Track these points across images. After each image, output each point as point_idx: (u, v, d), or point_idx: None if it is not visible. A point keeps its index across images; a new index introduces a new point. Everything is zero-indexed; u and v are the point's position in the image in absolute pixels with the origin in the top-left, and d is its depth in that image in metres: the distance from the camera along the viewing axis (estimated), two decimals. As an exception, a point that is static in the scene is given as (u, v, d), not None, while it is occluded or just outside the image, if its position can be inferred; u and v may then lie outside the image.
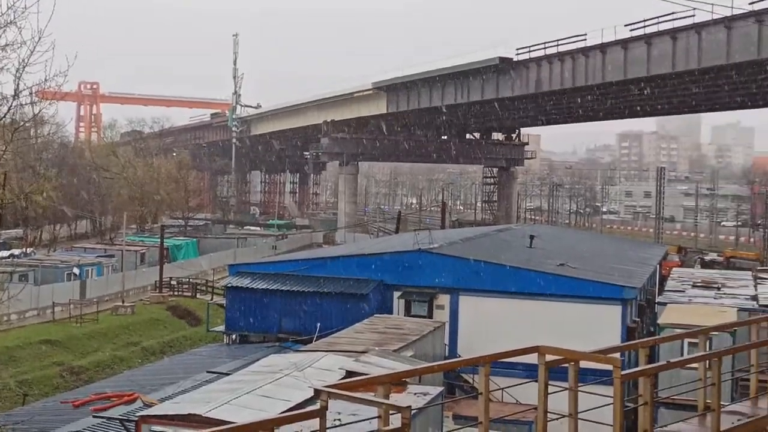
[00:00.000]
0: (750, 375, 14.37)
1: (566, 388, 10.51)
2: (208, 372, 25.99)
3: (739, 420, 12.86)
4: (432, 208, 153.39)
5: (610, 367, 10.47)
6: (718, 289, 39.77)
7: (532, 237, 44.96)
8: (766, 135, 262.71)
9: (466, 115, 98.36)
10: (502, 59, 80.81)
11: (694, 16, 58.17)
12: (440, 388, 21.98)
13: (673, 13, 60.86)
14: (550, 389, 10.54)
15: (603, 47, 70.66)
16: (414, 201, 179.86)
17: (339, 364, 22.04)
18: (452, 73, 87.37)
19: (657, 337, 20.55)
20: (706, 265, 75.31)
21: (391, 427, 9.12)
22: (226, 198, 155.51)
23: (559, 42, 75.86)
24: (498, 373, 10.99)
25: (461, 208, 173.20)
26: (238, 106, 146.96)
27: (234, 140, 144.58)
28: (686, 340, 20.99)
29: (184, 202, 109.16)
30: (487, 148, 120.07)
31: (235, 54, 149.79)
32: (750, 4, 52.84)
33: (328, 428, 8.83)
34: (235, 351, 33.19)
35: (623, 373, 10.47)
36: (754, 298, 36.57)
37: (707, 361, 12.47)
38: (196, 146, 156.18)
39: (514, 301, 33.85)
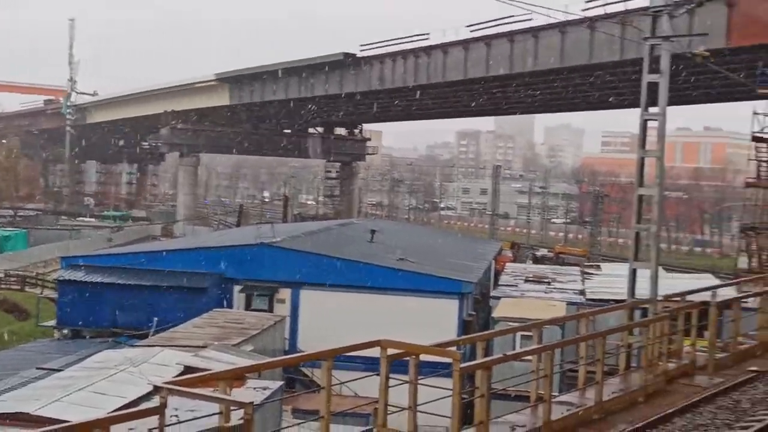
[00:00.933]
0: (578, 366, 14.99)
1: (406, 381, 10.65)
2: (37, 368, 24.89)
3: (568, 410, 13.38)
4: (275, 202, 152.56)
5: (450, 360, 10.67)
6: (549, 283, 41.30)
7: (373, 232, 45.42)
8: (595, 137, 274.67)
9: (309, 110, 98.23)
10: (347, 55, 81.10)
11: (531, 20, 60.00)
12: (280, 383, 21.93)
13: (511, 16, 62.68)
14: (391, 382, 10.65)
15: (445, 47, 71.98)
16: (257, 194, 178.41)
17: (177, 359, 21.63)
18: (297, 67, 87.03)
19: (496, 330, 21.19)
20: (537, 260, 77.98)
21: (232, 423, 9.01)
22: (58, 188, 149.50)
23: (403, 40, 76.83)
24: (338, 366, 11.01)
25: (306, 201, 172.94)
26: (74, 93, 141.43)
27: (68, 128, 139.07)
28: (518, 333, 21.72)
29: (13, 191, 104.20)
30: (330, 142, 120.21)
31: (71, 39, 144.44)
32: (583, 10, 54.95)
33: (166, 425, 8.62)
34: (67, 346, 31.98)
35: (462, 366, 10.69)
36: (582, 292, 38.16)
37: (540, 354, 12.93)
38: (27, 134, 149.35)
39: (356, 295, 34.13)
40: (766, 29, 49.02)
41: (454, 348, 12.20)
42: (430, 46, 73.62)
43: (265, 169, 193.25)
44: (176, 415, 12.95)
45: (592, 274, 45.60)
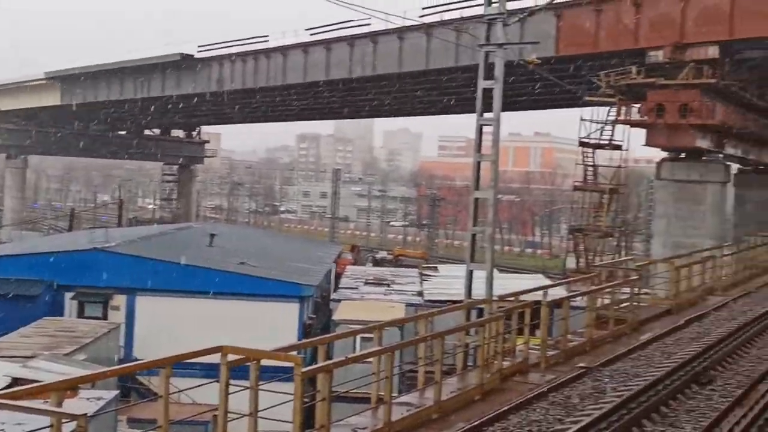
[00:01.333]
0: (418, 367, 15.21)
1: (247, 387, 10.51)
2: None
3: (408, 410, 13.55)
4: (109, 206, 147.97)
5: (291, 364, 10.61)
6: (388, 285, 41.80)
7: (212, 236, 44.76)
8: (432, 141, 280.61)
9: (146, 111, 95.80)
10: (184, 56, 79.60)
11: (370, 24, 60.62)
12: (115, 392, 21.27)
13: (351, 20, 63.21)
14: (232, 389, 10.49)
15: (284, 50, 71.79)
16: (89, 198, 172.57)
17: (3, 370, 20.63)
18: (133, 67, 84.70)
19: (337, 333, 21.21)
20: (377, 263, 78.91)
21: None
22: None
23: (242, 42, 76.15)
24: (177, 374, 10.72)
25: (144, 204, 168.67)
26: None
27: None
28: (359, 335, 21.88)
29: None
30: (167, 145, 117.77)
31: None
32: (420, 17, 56.00)
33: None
34: None
35: (304, 370, 10.65)
36: (420, 294, 38.81)
37: (381, 355, 13.04)
38: None
39: (194, 300, 33.57)
40: (591, 39, 51.34)
41: (295, 352, 12.14)
42: (270, 48, 73.32)
43: (98, 172, 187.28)
44: (2, 430, 12.35)
45: (430, 275, 46.42)
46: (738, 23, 46.01)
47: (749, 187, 65.21)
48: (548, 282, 34.38)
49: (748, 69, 52.27)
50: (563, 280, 35.15)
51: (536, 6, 28.31)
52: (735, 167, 62.83)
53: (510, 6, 21.73)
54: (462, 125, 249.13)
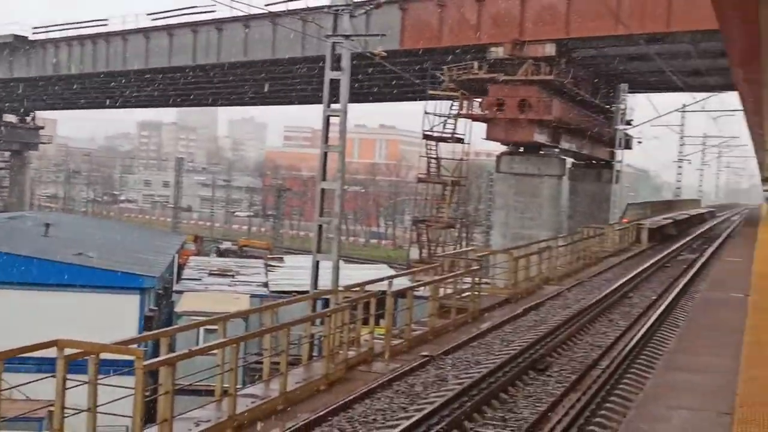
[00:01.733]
0: (263, 358, 15.09)
1: (85, 382, 10.16)
2: None
3: (253, 402, 13.43)
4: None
5: (132, 357, 10.33)
6: (233, 276, 41.36)
7: (47, 225, 43.06)
8: (278, 131, 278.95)
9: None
10: (17, 37, 76.19)
11: (215, 11, 59.78)
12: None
13: (194, 6, 62.10)
14: (70, 383, 10.11)
15: (125, 34, 69.84)
16: None
17: None
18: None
19: (179, 325, 20.76)
20: (221, 253, 77.86)
21: None
22: None
23: (81, 25, 73.55)
24: (8, 369, 10.25)
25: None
26: None
27: None
28: (202, 327, 21.53)
29: None
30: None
31: None
32: (266, 5, 55.56)
33: None
34: None
35: (145, 363, 10.38)
36: (266, 284, 38.58)
37: (225, 347, 12.85)
38: None
39: (29, 292, 32.16)
40: (435, 34, 52.27)
41: (136, 345, 11.81)
42: (110, 32, 71.13)
43: None
44: None
45: (275, 266, 46.24)
46: (573, 22, 47.87)
47: (583, 180, 68.06)
48: (393, 272, 34.81)
49: (582, 67, 54.51)
50: (407, 271, 35.68)
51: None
52: (570, 161, 65.37)
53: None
54: (308, 116, 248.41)
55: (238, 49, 62.22)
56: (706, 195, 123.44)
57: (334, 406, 13.55)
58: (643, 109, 75.46)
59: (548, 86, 50.14)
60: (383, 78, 59.68)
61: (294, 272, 40.56)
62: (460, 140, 56.48)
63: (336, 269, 19.91)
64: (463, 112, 53.41)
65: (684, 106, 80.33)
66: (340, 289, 19.02)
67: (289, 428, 12.39)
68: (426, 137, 56.89)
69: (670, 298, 25.47)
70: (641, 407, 8.84)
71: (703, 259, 37.43)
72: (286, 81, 69.16)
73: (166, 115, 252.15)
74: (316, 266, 20.82)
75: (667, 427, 7.90)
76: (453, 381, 15.50)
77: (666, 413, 8.34)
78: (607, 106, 61.79)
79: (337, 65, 20.54)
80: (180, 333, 17.72)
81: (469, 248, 45.82)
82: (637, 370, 16.41)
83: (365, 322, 18.17)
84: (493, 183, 62.76)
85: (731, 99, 62.78)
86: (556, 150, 55.71)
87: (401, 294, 19.67)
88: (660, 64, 51.28)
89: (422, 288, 22.63)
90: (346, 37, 19.93)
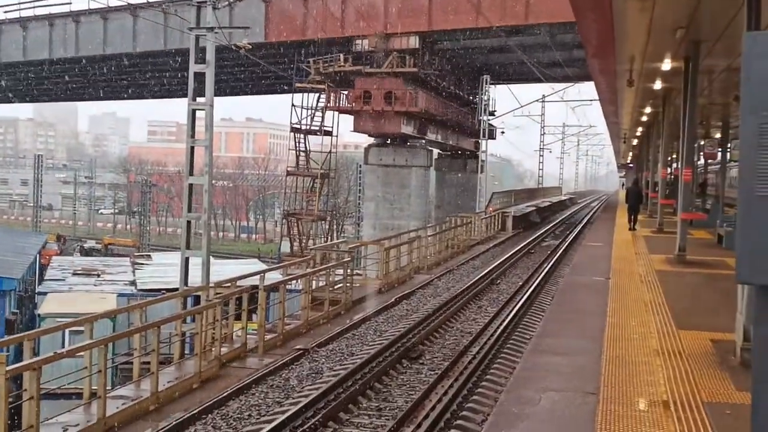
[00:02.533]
0: (134, 358, 14.75)
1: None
2: None
3: (124, 403, 13.11)
4: None
5: (-7, 363, 9.94)
6: (99, 276, 40.17)
7: None
8: (141, 126, 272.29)
9: None
10: None
11: (71, 3, 57.94)
12: None
13: (49, -3, 60.07)
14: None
15: (-27, 28, 66.83)
16: None
17: None
18: None
19: (43, 328, 20.04)
20: (86, 252, 75.63)
21: None
22: None
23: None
24: None
25: None
26: None
27: None
28: (68, 329, 20.86)
29: None
30: None
31: None
32: (126, -2, 54.17)
33: None
34: None
35: (8, 368, 10.01)
36: (133, 283, 37.62)
37: (92, 349, 12.51)
38: None
39: None
40: (299, 26, 52.09)
41: (-2, 350, 11.36)
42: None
43: None
44: None
45: (143, 264, 45.12)
46: (436, 16, 48.57)
47: (449, 170, 69.17)
48: (264, 267, 34.53)
49: (446, 60, 55.33)
50: (279, 264, 35.46)
51: (246, -9, 28.22)
52: (436, 152, 66.31)
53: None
54: (173, 110, 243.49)
55: (97, 43, 60.41)
56: (566, 182, 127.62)
57: (208, 403, 13.38)
58: (505, 99, 77.38)
59: (413, 78, 50.74)
60: (250, 71, 59.11)
61: (162, 269, 39.64)
62: (328, 133, 56.54)
63: (206, 265, 19.64)
64: (331, 104, 53.46)
65: (544, 96, 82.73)
66: (210, 285, 18.76)
67: (162, 428, 12.16)
68: (294, 130, 56.73)
69: (535, 283, 26.20)
70: (511, 391, 9.06)
71: (565, 245, 38.63)
72: (149, 74, 67.57)
73: (23, 110, 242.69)
74: (185, 263, 20.48)
75: (536, 410, 8.12)
76: (328, 373, 15.51)
77: (535, 396, 8.57)
78: (471, 98, 62.94)
79: (201, 58, 20.22)
80: (44, 336, 17.14)
81: (340, 240, 45.94)
82: (506, 354, 16.82)
83: (237, 317, 18.01)
84: (362, 175, 63.07)
85: (588, 89, 65.04)
86: (423, 141, 56.50)
87: (273, 288, 19.57)
88: (520, 56, 52.60)
89: (294, 281, 22.57)
90: (210, 29, 19.64)
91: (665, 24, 17.53)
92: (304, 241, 56.61)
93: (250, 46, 23.73)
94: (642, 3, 15.86)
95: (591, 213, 68.47)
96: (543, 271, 29.51)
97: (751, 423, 3.18)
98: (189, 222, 20.44)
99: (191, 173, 20.37)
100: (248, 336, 17.77)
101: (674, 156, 42.31)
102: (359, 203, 65.10)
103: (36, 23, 63.64)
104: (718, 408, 8.07)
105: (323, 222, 61.93)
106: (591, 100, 65.82)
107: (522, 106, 72.27)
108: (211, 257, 21.21)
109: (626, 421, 7.65)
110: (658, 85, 26.46)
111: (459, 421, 12.53)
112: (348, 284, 23.37)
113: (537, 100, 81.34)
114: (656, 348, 10.72)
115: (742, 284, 2.77)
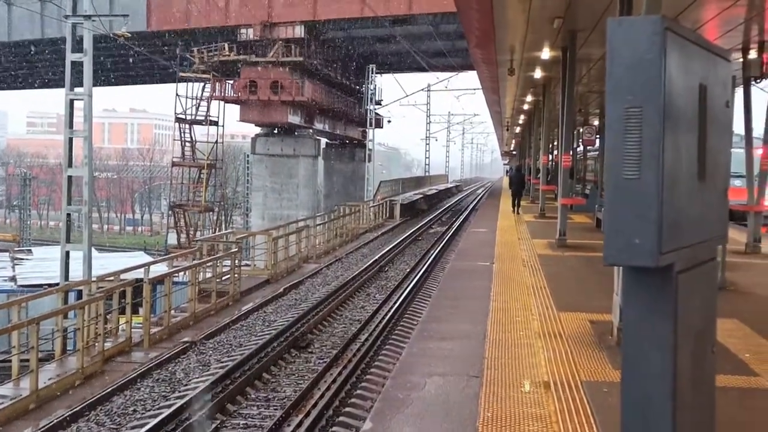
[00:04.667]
0: (12, 356, 14.23)
1: None
2: None
3: (1, 403, 12.66)
4: None
5: None
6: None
7: None
8: (19, 118, 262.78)
9: None
10: None
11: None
12: None
13: None
14: None
15: None
16: None
17: None
18: None
19: None
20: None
21: None
22: None
23: None
24: None
25: None
26: None
27: None
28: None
29: None
30: None
31: None
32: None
33: None
34: None
35: None
36: (13, 278, 36.38)
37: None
38: None
39: None
40: (182, 16, 51.16)
41: None
42: None
43: None
44: None
45: (23, 259, 43.65)
46: (321, 5, 48.43)
47: (337, 160, 69.17)
48: (150, 259, 33.84)
49: (332, 49, 55.24)
50: (165, 257, 34.81)
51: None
52: (324, 141, 66.17)
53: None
54: (53, 101, 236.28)
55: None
56: (452, 170, 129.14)
57: (91, 400, 13.03)
58: (392, 89, 77.77)
59: (299, 68, 50.47)
60: (133, 60, 57.69)
61: (44, 264, 38.42)
62: (214, 123, 55.77)
63: (88, 259, 19.11)
64: (216, 94, 52.76)
65: (429, 86, 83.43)
66: (93, 279, 18.27)
67: (43, 427, 11.78)
68: (178, 120, 55.74)
69: (422, 270, 26.47)
70: (398, 377, 9.09)
71: (451, 231, 39.15)
72: (25, 64, 65.27)
73: None
74: (65, 257, 19.88)
75: (421, 394, 8.17)
76: (215, 365, 15.31)
77: (420, 381, 8.62)
78: (358, 87, 63.03)
79: (79, 47, 19.61)
80: None
81: (228, 231, 45.40)
82: (394, 340, 16.94)
83: (122, 311, 17.60)
84: (249, 165, 62.39)
85: (472, 78, 65.95)
86: (311, 131, 56.27)
87: (159, 281, 19.22)
88: (405, 45, 52.95)
89: (181, 273, 22.20)
90: (87, 17, 19.07)
91: (543, 14, 17.90)
92: (191, 232, 55.74)
93: (130, 35, 23.16)
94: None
95: (476, 200, 69.60)
96: (430, 257, 29.84)
97: (620, 399, 3.25)
98: (69, 215, 19.87)
99: (70, 165, 19.77)
100: (133, 330, 17.39)
101: (555, 143, 43.31)
102: (247, 193, 64.43)
103: None
104: (596, 386, 8.27)
105: (211, 213, 61.07)
106: (475, 89, 66.58)
107: (408, 95, 72.82)
108: (94, 250, 20.67)
109: (509, 402, 7.77)
110: (538, 74, 27.03)
111: (347, 409, 12.55)
112: (236, 275, 23.12)
113: (422, 90, 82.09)
114: (538, 330, 10.93)
115: (610, 266, 2.85)
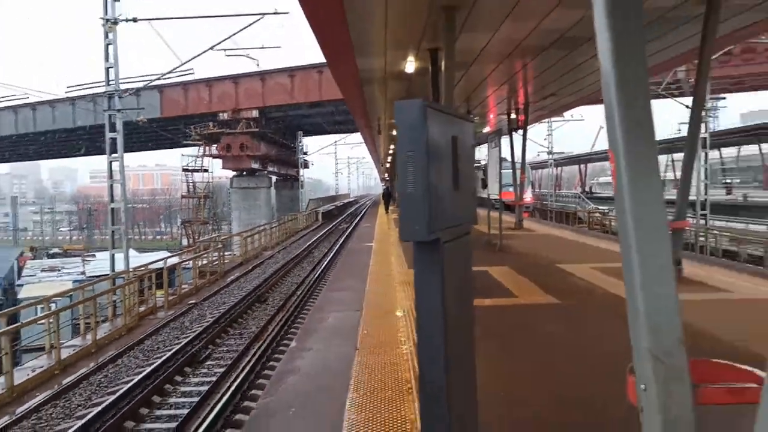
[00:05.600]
0: (81, 320, 13.49)
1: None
2: None
3: (74, 350, 12.01)
4: None
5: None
6: (59, 270, 36.63)
7: None
8: (85, 173, 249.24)
9: None
10: None
11: (28, 97, 52.16)
12: None
13: (14, 95, 53.66)
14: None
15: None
16: None
17: None
18: None
19: (23, 304, 17.97)
20: (51, 256, 68.35)
21: None
22: None
23: None
24: None
25: None
26: None
27: None
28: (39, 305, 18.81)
29: None
30: None
31: None
32: (66, 92, 49.37)
33: None
34: None
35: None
36: (83, 273, 34.59)
37: (51, 318, 11.36)
38: None
39: None
40: (182, 106, 49.60)
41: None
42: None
43: None
44: None
45: (90, 260, 41.45)
46: (267, 96, 47.66)
47: (283, 188, 68.10)
48: (168, 255, 32.62)
49: (275, 122, 54.43)
50: (178, 252, 33.64)
51: (144, 86, 26.43)
52: (274, 178, 65.11)
53: (127, 85, 20.08)
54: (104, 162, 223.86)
55: (47, 122, 54.81)
56: (352, 190, 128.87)
57: (131, 343, 12.52)
58: (314, 144, 77.05)
59: (256, 135, 49.54)
60: (156, 134, 55.50)
61: (102, 263, 36.58)
62: (206, 170, 54.16)
63: (126, 258, 18.28)
64: (206, 153, 51.34)
65: (336, 142, 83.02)
66: (130, 270, 17.51)
67: (100, 362, 11.24)
68: (184, 170, 54.01)
69: (334, 250, 26.37)
70: (314, 314, 9.03)
71: (351, 227, 39.09)
72: (86, 139, 61.97)
73: (1, 168, 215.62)
74: (112, 258, 18.96)
75: (325, 325, 8.14)
76: (209, 316, 14.91)
77: (326, 316, 8.58)
78: (293, 144, 62.28)
79: (116, 128, 18.79)
80: (23, 310, 15.38)
81: (215, 235, 44.19)
82: (318, 292, 16.82)
83: (152, 288, 16.96)
84: (230, 194, 60.81)
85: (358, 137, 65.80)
86: (266, 172, 55.26)
87: (173, 268, 18.57)
88: (319, 119, 52.64)
89: (187, 262, 21.49)
90: (118, 111, 18.25)
91: (394, 96, 18.06)
92: (196, 237, 53.96)
93: (145, 120, 22.31)
94: (380, 87, 16.25)
95: (366, 207, 69.62)
96: (339, 242, 29.74)
97: (416, 318, 3.28)
98: (113, 232, 18.93)
99: (112, 200, 18.87)
100: (158, 299, 16.77)
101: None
102: (230, 212, 62.76)
103: (4, 112, 56.78)
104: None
105: (207, 224, 59.26)
106: (361, 142, 66.64)
107: (322, 148, 72.66)
108: (133, 251, 19.80)
109: (378, 321, 7.81)
110: (395, 132, 27.23)
111: (288, 334, 12.41)
112: (221, 261, 22.54)
113: (331, 144, 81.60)
114: (397, 281, 11.02)
115: (405, 241, 2.86)
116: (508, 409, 4.68)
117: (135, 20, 18.54)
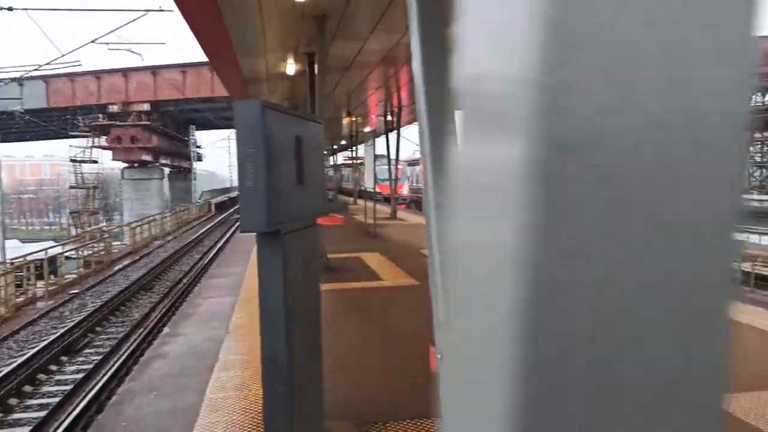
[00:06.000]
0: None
1: None
2: None
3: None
4: None
5: None
6: None
7: None
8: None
9: None
10: None
11: None
12: None
13: None
14: None
15: None
16: None
17: None
18: None
19: None
20: None
21: None
22: None
23: None
24: None
25: None
26: None
27: None
28: None
29: None
30: None
31: None
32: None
33: None
34: None
35: None
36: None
37: None
38: None
39: None
40: (70, 98, 45.36)
41: None
42: None
43: None
44: None
45: None
46: (158, 91, 44.92)
47: (176, 180, 64.61)
48: (54, 245, 29.72)
49: (167, 116, 51.41)
50: (64, 242, 30.78)
51: (22, 75, 23.72)
52: (167, 170, 61.50)
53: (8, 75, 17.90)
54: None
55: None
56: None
57: (6, 334, 11.28)
58: (207, 138, 73.68)
59: (148, 128, 46.44)
60: (43, 125, 50.09)
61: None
62: (95, 162, 49.90)
63: (2, 247, 16.41)
64: (96, 145, 47.36)
65: (228, 136, 79.74)
66: (6, 260, 15.74)
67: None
68: (73, 161, 49.40)
69: (224, 239, 25.47)
70: (192, 299, 8.68)
71: (243, 217, 37.94)
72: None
73: None
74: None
75: (200, 310, 7.86)
76: (90, 305, 13.80)
77: (203, 301, 8.29)
78: (186, 138, 59.15)
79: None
80: None
81: (102, 225, 40.97)
82: (202, 279, 16.17)
83: (31, 279, 15.34)
84: (122, 185, 56.45)
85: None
86: (158, 164, 52.03)
87: (53, 258, 16.92)
88: (209, 114, 50.40)
89: (73, 252, 19.72)
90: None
91: (280, 96, 17.68)
92: (86, 227, 49.59)
93: (23, 110, 20.05)
94: (266, 86, 15.84)
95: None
96: (230, 231, 28.78)
97: (259, 299, 3.27)
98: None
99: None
100: (39, 289, 15.22)
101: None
102: (122, 202, 58.29)
103: None
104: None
105: (98, 215, 54.66)
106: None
107: (216, 142, 70.03)
108: (17, 242, 17.77)
109: (252, 305, 7.66)
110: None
111: (165, 319, 11.80)
112: (109, 250, 20.92)
113: (223, 139, 78.56)
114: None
115: (245, 232, 2.83)
116: (362, 361, 4.89)
117: (11, 9, 16.50)
